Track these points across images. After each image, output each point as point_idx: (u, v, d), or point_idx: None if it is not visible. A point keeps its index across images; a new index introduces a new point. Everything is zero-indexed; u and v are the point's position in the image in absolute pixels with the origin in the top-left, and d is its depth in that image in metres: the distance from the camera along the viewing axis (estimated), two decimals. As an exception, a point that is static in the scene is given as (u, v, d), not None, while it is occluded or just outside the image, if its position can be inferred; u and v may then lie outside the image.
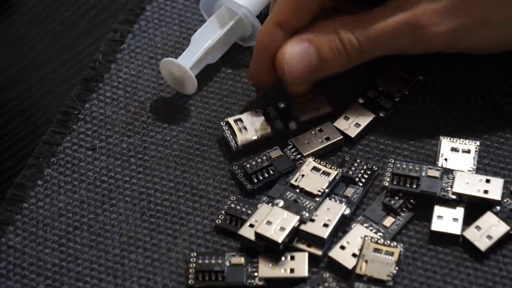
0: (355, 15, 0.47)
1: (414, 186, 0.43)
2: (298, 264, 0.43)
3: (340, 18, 0.47)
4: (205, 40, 0.49)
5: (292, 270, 0.42)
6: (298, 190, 0.44)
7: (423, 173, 0.44)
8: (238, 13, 0.49)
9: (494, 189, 0.43)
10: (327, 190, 0.44)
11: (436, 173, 0.44)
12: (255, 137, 0.47)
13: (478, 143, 0.46)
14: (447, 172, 0.44)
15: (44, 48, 0.54)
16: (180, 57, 0.49)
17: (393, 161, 0.44)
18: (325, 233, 0.42)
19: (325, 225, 0.43)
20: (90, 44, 0.53)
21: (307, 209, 0.43)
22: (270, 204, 0.44)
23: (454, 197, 0.43)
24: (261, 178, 0.45)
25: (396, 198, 0.44)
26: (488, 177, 0.44)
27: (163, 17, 0.53)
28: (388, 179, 0.44)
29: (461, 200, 0.43)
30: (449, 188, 0.43)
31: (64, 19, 0.55)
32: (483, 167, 0.46)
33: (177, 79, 0.49)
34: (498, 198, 0.43)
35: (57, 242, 0.45)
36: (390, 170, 0.44)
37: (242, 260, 0.43)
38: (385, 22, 0.45)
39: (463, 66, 0.49)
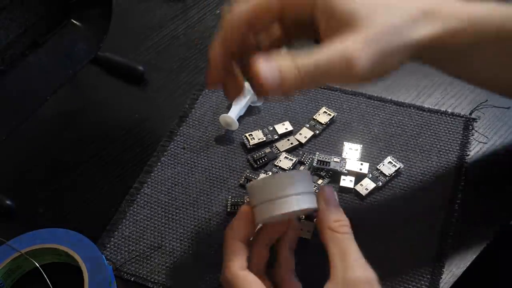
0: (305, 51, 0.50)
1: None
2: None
3: (293, 52, 0.51)
4: (241, 103, 0.85)
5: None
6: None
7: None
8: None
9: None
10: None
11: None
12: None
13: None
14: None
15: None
16: (230, 113, 0.83)
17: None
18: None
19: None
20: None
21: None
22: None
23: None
24: (261, 162, 0.78)
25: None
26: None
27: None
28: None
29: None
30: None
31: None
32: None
33: (228, 123, 0.83)
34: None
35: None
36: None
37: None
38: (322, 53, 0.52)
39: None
